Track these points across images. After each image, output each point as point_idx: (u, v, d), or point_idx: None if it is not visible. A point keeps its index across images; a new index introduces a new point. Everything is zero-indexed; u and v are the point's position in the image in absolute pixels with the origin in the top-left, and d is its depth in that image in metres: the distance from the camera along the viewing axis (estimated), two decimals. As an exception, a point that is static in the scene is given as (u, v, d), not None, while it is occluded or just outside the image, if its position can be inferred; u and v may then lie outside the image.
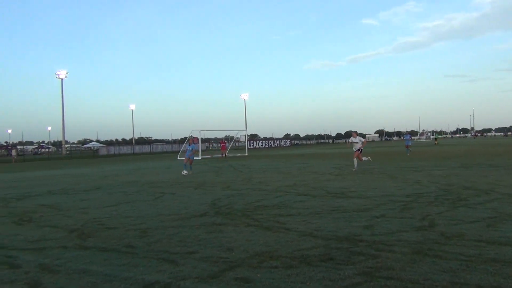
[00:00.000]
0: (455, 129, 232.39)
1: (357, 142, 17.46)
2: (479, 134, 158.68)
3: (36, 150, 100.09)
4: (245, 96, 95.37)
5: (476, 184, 11.15)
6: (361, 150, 17.49)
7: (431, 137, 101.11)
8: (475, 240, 5.44)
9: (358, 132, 18.23)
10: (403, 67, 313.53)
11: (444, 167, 17.29)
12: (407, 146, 32.27)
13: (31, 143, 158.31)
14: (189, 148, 19.13)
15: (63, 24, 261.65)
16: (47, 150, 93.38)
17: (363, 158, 17.70)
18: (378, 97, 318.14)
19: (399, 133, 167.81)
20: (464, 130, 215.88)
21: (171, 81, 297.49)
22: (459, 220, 6.73)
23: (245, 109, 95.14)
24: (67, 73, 77.20)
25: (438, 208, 7.83)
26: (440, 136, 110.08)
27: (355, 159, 17.43)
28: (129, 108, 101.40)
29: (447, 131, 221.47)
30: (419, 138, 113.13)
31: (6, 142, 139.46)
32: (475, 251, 4.93)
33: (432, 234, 5.87)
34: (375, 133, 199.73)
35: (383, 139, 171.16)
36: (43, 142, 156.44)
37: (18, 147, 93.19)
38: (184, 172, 18.05)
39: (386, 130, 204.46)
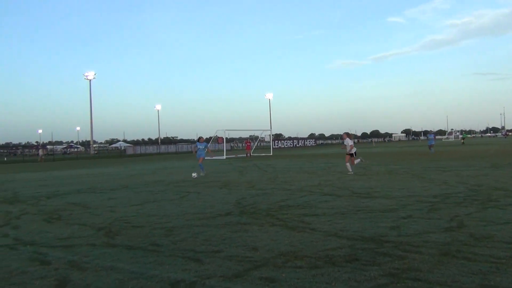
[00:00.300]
0: (485, 128, 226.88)
1: (346, 145, 16.58)
2: (510, 133, 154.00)
3: (65, 150, 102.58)
4: (269, 95, 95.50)
5: (507, 185, 10.84)
6: (355, 153, 16.66)
7: (460, 136, 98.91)
8: (505, 242, 5.30)
9: (348, 133, 17.15)
10: (430, 65, 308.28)
11: (472, 167, 16.88)
12: (430, 146, 31.84)
13: (61, 143, 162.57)
14: (201, 147, 18.47)
15: (91, 27, 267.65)
16: (75, 150, 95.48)
17: (356, 161, 16.69)
18: (405, 96, 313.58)
19: (426, 133, 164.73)
20: (495, 129, 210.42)
21: (196, 81, 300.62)
22: (489, 221, 6.55)
23: (270, 108, 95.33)
24: (95, 74, 78.87)
25: (467, 209, 7.64)
26: (469, 136, 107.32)
27: (347, 164, 16.54)
28: (155, 109, 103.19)
29: (476, 130, 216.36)
30: (447, 138, 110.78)
31: (36, 142, 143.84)
32: (506, 253, 4.79)
33: (460, 235, 5.74)
34: (401, 132, 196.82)
35: (410, 138, 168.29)
36: (72, 142, 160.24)
37: (48, 147, 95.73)
38: (194, 174, 17.22)
39: (413, 130, 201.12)
